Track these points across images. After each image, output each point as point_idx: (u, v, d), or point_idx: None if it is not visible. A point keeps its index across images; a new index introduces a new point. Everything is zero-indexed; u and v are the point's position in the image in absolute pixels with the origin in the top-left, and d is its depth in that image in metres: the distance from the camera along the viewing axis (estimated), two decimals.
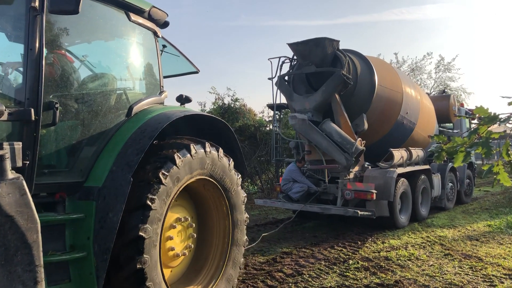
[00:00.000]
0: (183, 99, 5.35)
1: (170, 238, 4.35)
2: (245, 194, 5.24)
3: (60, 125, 3.76)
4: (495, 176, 2.85)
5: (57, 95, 3.77)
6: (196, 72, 6.30)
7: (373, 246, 8.21)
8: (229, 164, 4.88)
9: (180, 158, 4.07)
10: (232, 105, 15.89)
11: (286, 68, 10.42)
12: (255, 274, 6.40)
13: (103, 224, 3.57)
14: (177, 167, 4.04)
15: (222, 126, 5.15)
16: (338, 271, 6.54)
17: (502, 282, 5.90)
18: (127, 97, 4.43)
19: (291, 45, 9.45)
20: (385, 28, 57.78)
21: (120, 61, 4.76)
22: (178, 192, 4.18)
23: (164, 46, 5.61)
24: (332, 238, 9.03)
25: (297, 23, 59.33)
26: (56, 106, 3.49)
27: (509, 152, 2.79)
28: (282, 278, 6.15)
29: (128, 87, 4.65)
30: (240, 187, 5.08)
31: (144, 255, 3.68)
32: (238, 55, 62.64)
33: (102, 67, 4.65)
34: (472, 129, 2.90)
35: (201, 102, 16.24)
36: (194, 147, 4.27)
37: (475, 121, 2.82)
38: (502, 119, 2.71)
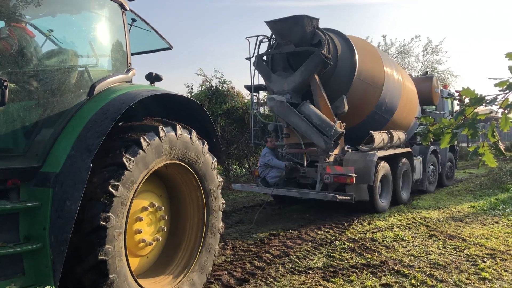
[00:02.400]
0: (153, 77, 5.04)
1: (139, 227, 4.14)
2: (221, 179, 5.03)
3: (13, 105, 3.48)
4: (480, 157, 2.89)
5: (9, 72, 3.49)
6: (169, 49, 6.00)
7: (359, 228, 8.37)
8: (203, 147, 4.64)
9: (147, 141, 3.83)
10: (220, 88, 15.66)
11: (265, 47, 10.20)
12: (242, 256, 6.54)
13: (60, 213, 3.32)
14: (144, 151, 3.80)
15: (196, 108, 4.91)
16: (324, 252, 6.69)
17: (484, 262, 6.07)
18: (89, 75, 4.13)
19: (269, 23, 9.19)
20: (376, 10, 57.62)
21: (84, 36, 4.46)
22: (145, 178, 3.95)
23: (133, 20, 5.31)
24: (319, 219, 9.21)
25: (285, 4, 58.90)
26: (4, 84, 3.19)
27: (494, 134, 2.82)
28: (269, 259, 6.30)
29: (91, 64, 4.37)
30: (215, 171, 4.85)
31: (107, 246, 3.48)
32: (226, 36, 62.01)
33: (66, 42, 4.34)
34: (458, 111, 2.94)
35: (188, 84, 15.97)
36: (163, 130, 4.02)
37: (461, 102, 2.79)
38: (488, 101, 2.71)
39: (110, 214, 3.49)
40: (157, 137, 3.95)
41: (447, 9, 59.97)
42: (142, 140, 3.79)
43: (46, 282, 3.20)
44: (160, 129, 4.00)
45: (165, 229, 4.56)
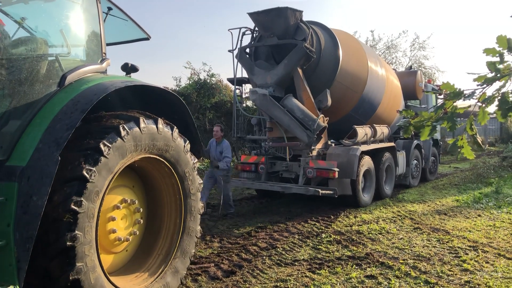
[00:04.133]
0: (128, 68, 4.88)
1: (113, 227, 4.01)
2: (196, 160, 4.85)
3: None
4: (459, 150, 2.97)
5: None
6: (147, 39, 5.82)
7: (345, 221, 8.48)
8: (172, 133, 4.43)
9: (107, 145, 3.60)
10: (208, 81, 15.51)
11: (248, 40, 10.05)
12: (230, 248, 6.64)
13: (26, 208, 3.17)
14: (105, 157, 3.58)
15: (174, 99, 4.75)
16: (311, 244, 6.82)
17: (467, 254, 6.23)
18: (59, 65, 3.96)
19: (252, 15, 9.05)
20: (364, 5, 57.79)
21: (56, 24, 4.28)
22: (110, 182, 3.77)
23: (109, 9, 5.11)
24: (306, 212, 9.29)
25: None
26: None
27: (472, 127, 2.90)
28: (256, 252, 6.40)
29: (63, 53, 4.19)
30: (188, 154, 4.66)
31: (77, 231, 3.34)
32: (215, 29, 61.63)
33: (38, 30, 4.16)
34: (438, 104, 3.01)
35: (176, 77, 15.85)
36: (124, 128, 3.76)
37: (441, 96, 2.84)
38: (466, 95, 2.80)
39: (76, 232, 3.34)
40: (118, 138, 3.71)
41: (435, 4, 60.30)
42: (101, 146, 3.56)
43: (10, 281, 3.05)
44: (121, 129, 3.74)
45: (142, 222, 4.44)
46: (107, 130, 3.71)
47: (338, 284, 5.13)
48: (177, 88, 15.35)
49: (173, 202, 4.65)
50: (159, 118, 4.18)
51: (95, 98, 3.69)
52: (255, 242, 6.88)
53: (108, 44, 4.83)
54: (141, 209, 4.40)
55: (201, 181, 4.90)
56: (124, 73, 4.91)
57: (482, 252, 6.30)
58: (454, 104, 2.87)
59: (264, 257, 6.12)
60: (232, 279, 5.32)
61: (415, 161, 13.28)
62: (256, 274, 5.48)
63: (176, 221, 4.66)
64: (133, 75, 4.98)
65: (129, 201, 4.21)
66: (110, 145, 3.63)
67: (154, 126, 4.12)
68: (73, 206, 3.32)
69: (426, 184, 13.77)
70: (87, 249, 3.45)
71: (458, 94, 2.81)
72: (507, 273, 5.44)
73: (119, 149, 3.73)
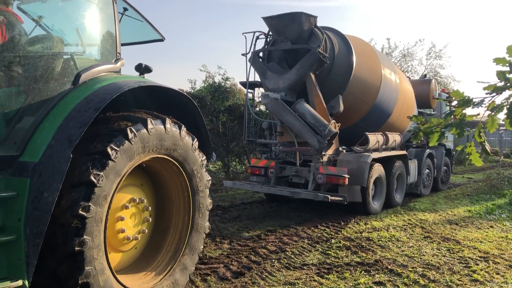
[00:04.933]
0: (142, 69, 4.94)
1: (122, 227, 4.06)
2: (210, 178, 4.91)
3: None
4: (467, 156, 3.08)
5: None
6: (161, 40, 5.88)
7: (355, 227, 8.46)
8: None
9: (115, 149, 3.62)
10: (223, 84, 15.60)
11: (262, 44, 10.07)
12: (239, 250, 6.67)
13: (37, 204, 3.22)
14: (113, 160, 3.62)
15: (186, 101, 4.80)
16: (320, 249, 6.82)
17: (477, 264, 6.19)
18: (74, 63, 4.03)
19: (266, 19, 9.09)
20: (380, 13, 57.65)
21: (72, 23, 4.35)
22: (129, 170, 3.84)
23: (125, 9, 5.19)
24: (316, 218, 9.27)
25: (290, 3, 58.76)
26: None
27: (481, 134, 2.98)
28: (265, 254, 6.44)
29: (78, 52, 4.26)
30: (197, 151, 4.67)
31: (85, 236, 3.38)
32: (231, 34, 61.94)
33: (55, 29, 4.24)
34: (448, 111, 3.10)
35: (192, 79, 15.94)
36: (131, 131, 3.77)
37: (452, 103, 2.95)
38: (475, 102, 2.87)
39: (85, 237, 3.39)
40: (126, 141, 3.72)
41: (452, 14, 60.00)
42: (109, 150, 3.58)
43: (18, 276, 3.10)
44: (128, 131, 3.74)
45: (150, 220, 4.47)
46: (115, 133, 3.72)
47: None
48: (192, 91, 15.43)
49: (181, 199, 4.68)
50: (167, 118, 4.19)
51: (108, 97, 3.74)
52: (264, 245, 6.92)
53: (122, 44, 4.90)
54: (150, 208, 4.44)
55: (209, 178, 4.91)
56: (138, 73, 4.96)
57: (493, 263, 6.24)
58: (463, 111, 2.94)
59: (273, 260, 6.16)
60: (241, 280, 5.38)
61: (427, 170, 13.17)
62: (264, 276, 5.53)
63: (184, 218, 4.69)
64: (146, 75, 5.03)
65: (137, 200, 4.25)
66: (117, 149, 3.64)
67: (162, 127, 4.13)
68: (81, 212, 3.36)
69: (438, 194, 13.63)
70: (96, 253, 3.50)
71: (467, 102, 2.87)
72: None
73: (127, 152, 3.74)
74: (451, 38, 63.76)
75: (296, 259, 6.25)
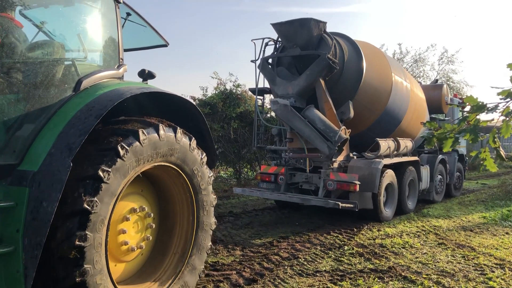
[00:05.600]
0: (145, 75, 4.81)
1: (124, 240, 3.92)
2: (211, 174, 4.72)
3: None
4: (481, 162, 3.05)
5: None
6: (165, 45, 5.76)
7: (368, 234, 8.36)
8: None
9: (106, 171, 3.41)
10: (234, 91, 15.55)
11: (271, 50, 9.96)
12: (252, 257, 6.62)
13: (36, 214, 3.09)
14: (122, 159, 3.49)
15: (190, 107, 4.67)
16: (333, 256, 6.76)
17: (493, 271, 6.06)
18: (76, 69, 3.91)
19: (275, 26, 8.97)
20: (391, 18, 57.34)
21: (74, 28, 4.26)
22: (125, 186, 3.67)
23: (128, 14, 5.09)
24: (328, 224, 9.20)
25: (301, 9, 58.84)
26: None
27: (495, 140, 2.96)
28: (278, 261, 6.39)
29: (79, 58, 4.15)
30: (196, 151, 4.44)
31: (85, 265, 3.26)
32: (242, 41, 62.13)
33: (56, 34, 4.14)
34: (461, 117, 3.07)
35: (203, 87, 15.90)
36: (123, 147, 3.54)
37: (466, 109, 2.86)
38: (489, 108, 2.86)
39: (85, 266, 3.26)
40: (118, 159, 3.49)
41: (464, 18, 59.50)
42: (100, 172, 3.37)
43: None
44: (119, 149, 3.50)
45: (154, 226, 4.33)
46: (105, 153, 3.52)
47: None
48: (204, 98, 15.38)
49: (184, 199, 4.53)
50: (160, 124, 3.98)
51: (110, 104, 3.61)
52: (277, 252, 6.86)
53: (126, 50, 4.79)
54: (152, 214, 4.29)
55: (211, 174, 4.74)
56: (141, 79, 4.85)
57: (509, 270, 6.11)
58: (477, 117, 2.93)
59: (286, 267, 6.10)
60: (254, 287, 5.34)
61: (440, 176, 12.91)
62: (277, 283, 5.47)
63: (189, 218, 4.55)
64: (150, 81, 4.93)
65: (138, 209, 4.10)
66: (109, 170, 3.43)
67: (155, 134, 3.90)
68: (78, 242, 3.21)
69: (451, 200, 13.41)
70: (99, 278, 3.38)
71: (481, 107, 2.87)
72: None
73: (120, 170, 3.53)
74: (463, 43, 63.04)
75: (309, 266, 6.19)
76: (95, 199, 3.32)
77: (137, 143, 3.68)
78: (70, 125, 3.46)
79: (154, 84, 4.69)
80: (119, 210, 3.87)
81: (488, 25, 62.05)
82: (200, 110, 4.71)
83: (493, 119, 3.02)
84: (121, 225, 3.90)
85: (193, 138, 4.45)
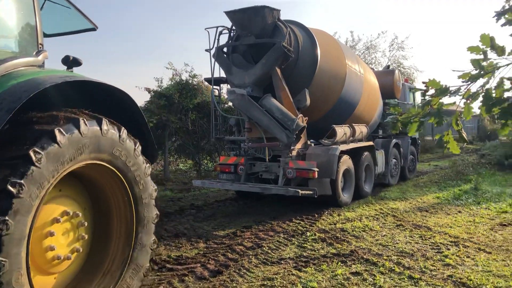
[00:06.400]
0: (70, 62, 4.15)
1: (51, 234, 3.37)
2: (155, 187, 4.18)
3: None
4: (445, 144, 3.07)
5: None
6: (94, 29, 5.03)
7: (329, 219, 8.34)
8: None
9: (62, 134, 3.03)
10: (190, 82, 15.00)
11: (225, 39, 9.60)
12: (216, 248, 6.46)
13: None
14: (58, 144, 3.03)
15: (123, 98, 4.01)
16: (296, 243, 6.70)
17: (449, 249, 6.20)
18: None
19: (229, 13, 8.59)
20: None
21: None
22: (59, 177, 3.15)
23: None
24: (290, 212, 9.05)
25: None
26: None
27: (458, 122, 2.98)
28: (242, 251, 6.28)
29: None
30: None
31: (0, 258, 2.73)
32: (198, 30, 61.15)
33: None
34: (425, 101, 3.11)
35: (158, 78, 15.37)
36: (84, 122, 3.11)
37: (428, 93, 2.88)
38: (452, 91, 2.89)
39: (0, 259, 2.73)
40: (53, 143, 3.03)
41: (413, 4, 60.89)
42: (32, 153, 2.87)
43: None
44: (56, 132, 3.04)
45: (86, 237, 3.76)
46: (39, 135, 3.03)
47: (324, 281, 5.01)
48: (159, 89, 14.99)
49: (122, 211, 3.98)
50: (103, 118, 3.48)
51: (24, 96, 3.02)
52: (241, 242, 6.70)
53: (49, 35, 4.14)
54: (86, 223, 3.68)
55: (155, 187, 4.20)
56: (65, 67, 4.20)
57: (463, 247, 6.26)
58: (440, 100, 2.95)
59: (250, 256, 5.98)
60: (219, 278, 5.18)
61: (394, 160, 13.00)
62: (243, 273, 5.35)
63: (126, 232, 4.00)
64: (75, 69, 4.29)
65: (71, 214, 3.53)
66: (42, 152, 2.95)
67: (98, 128, 3.40)
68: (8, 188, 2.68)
69: (407, 182, 13.51)
70: (15, 277, 2.83)
71: (444, 91, 2.89)
72: (487, 266, 5.43)
73: (54, 157, 3.05)
74: (412, 29, 64.61)
75: (273, 254, 6.09)
76: (22, 181, 2.81)
77: (77, 132, 3.20)
78: None
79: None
80: (50, 211, 3.38)
81: (436, 11, 63.83)
82: (135, 101, 4.11)
83: (455, 102, 3.03)
84: (50, 227, 3.37)
85: (138, 143, 3.91)
